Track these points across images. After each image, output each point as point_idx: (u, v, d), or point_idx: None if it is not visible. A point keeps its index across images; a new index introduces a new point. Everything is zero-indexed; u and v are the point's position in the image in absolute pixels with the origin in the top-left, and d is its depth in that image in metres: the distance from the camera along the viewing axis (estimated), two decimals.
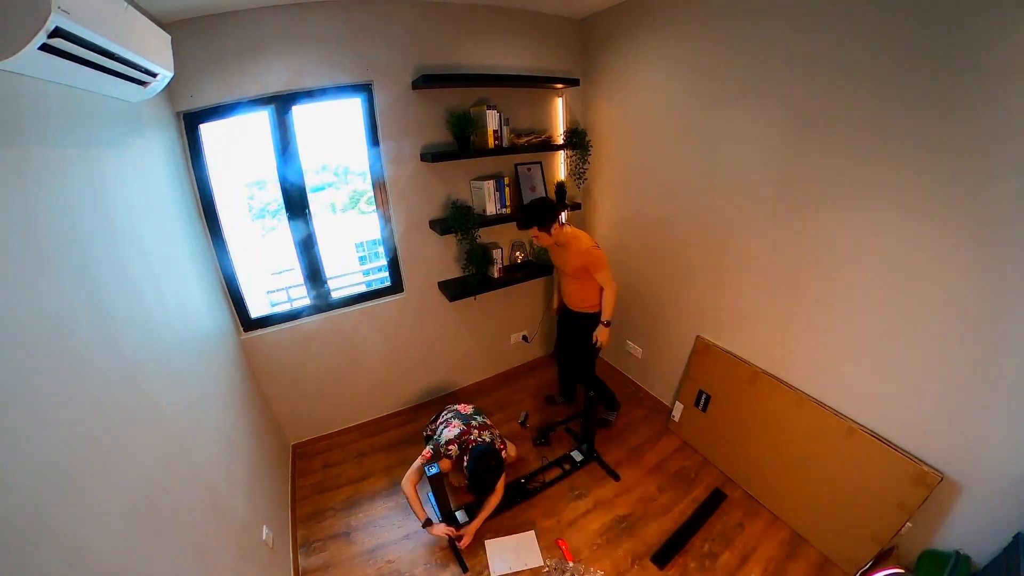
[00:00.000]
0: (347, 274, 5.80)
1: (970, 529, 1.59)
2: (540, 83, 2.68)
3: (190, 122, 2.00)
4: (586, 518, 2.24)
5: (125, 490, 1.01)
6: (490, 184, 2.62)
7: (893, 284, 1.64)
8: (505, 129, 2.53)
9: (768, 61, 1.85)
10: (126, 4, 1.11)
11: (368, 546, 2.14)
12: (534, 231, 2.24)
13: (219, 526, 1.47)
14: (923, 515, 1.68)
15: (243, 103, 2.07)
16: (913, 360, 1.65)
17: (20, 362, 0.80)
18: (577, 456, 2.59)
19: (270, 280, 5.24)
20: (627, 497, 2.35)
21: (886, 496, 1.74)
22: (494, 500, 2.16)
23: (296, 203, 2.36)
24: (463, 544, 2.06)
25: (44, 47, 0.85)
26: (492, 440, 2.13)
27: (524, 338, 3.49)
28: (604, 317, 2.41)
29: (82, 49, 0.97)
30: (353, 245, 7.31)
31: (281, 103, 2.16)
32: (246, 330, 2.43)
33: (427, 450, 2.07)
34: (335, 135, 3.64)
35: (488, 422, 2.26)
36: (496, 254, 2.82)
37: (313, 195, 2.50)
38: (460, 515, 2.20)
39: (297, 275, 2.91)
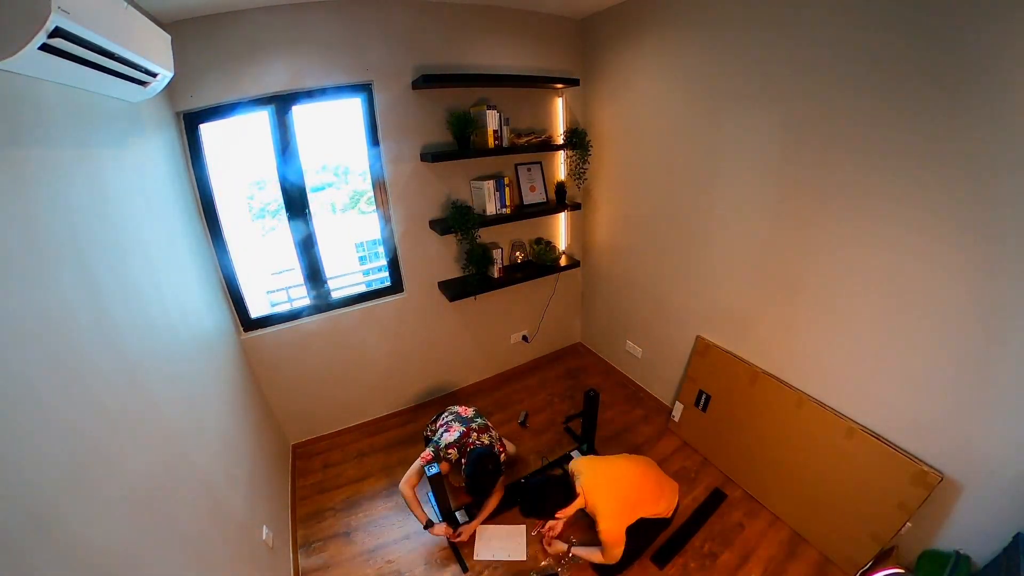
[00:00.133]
0: (347, 274, 5.79)
1: (970, 529, 1.59)
2: (540, 83, 2.68)
3: (190, 122, 2.00)
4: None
5: (125, 490, 1.02)
6: (490, 184, 2.62)
7: (893, 284, 1.64)
8: (505, 129, 2.52)
9: (768, 65, 1.85)
10: (126, 4, 1.11)
11: (368, 546, 2.14)
12: (559, 514, 1.86)
13: (219, 526, 1.47)
14: (923, 515, 1.68)
15: (243, 103, 2.07)
16: (913, 360, 1.65)
17: (20, 362, 0.80)
18: (577, 456, 2.59)
19: (270, 280, 5.24)
20: None
21: (886, 496, 1.74)
22: (494, 501, 2.17)
23: (296, 203, 2.36)
24: (459, 540, 2.07)
25: (44, 47, 0.85)
26: (491, 443, 2.13)
27: (524, 338, 3.49)
28: (576, 551, 1.95)
29: (82, 49, 0.97)
30: (353, 245, 7.31)
31: (281, 103, 2.16)
32: (246, 330, 2.43)
33: (427, 452, 2.07)
34: (335, 135, 3.63)
35: (488, 424, 2.26)
36: (496, 254, 2.82)
37: (313, 195, 2.50)
38: (460, 515, 2.20)
39: (297, 275, 2.91)
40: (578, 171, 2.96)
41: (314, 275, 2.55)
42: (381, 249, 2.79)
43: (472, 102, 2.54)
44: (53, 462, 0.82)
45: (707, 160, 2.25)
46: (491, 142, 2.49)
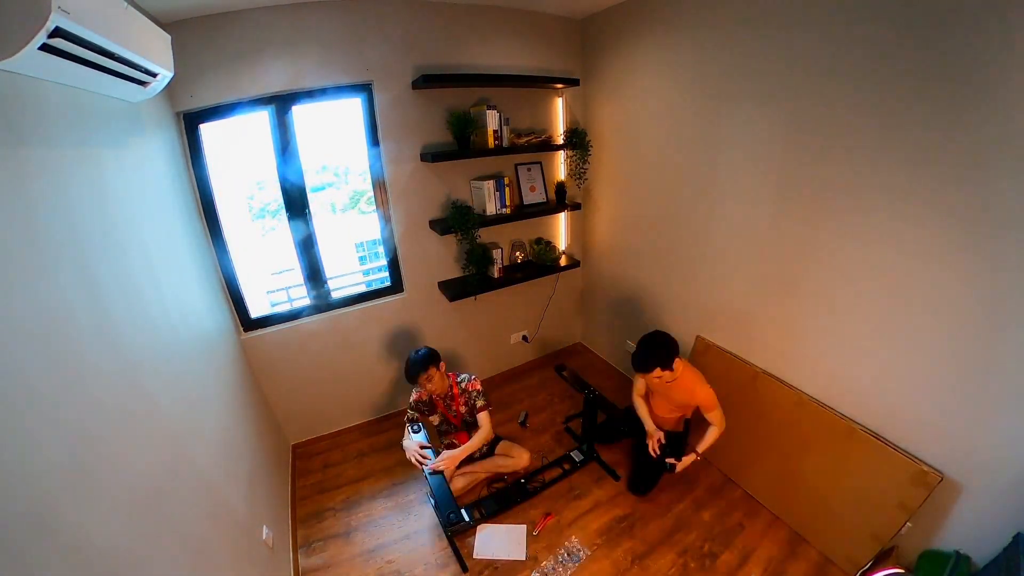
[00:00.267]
0: (347, 274, 5.79)
1: (970, 529, 1.59)
2: (540, 83, 2.68)
3: (190, 122, 2.01)
4: (586, 518, 2.24)
5: (125, 490, 1.02)
6: (490, 184, 2.62)
7: (892, 284, 1.64)
8: (505, 129, 2.53)
9: (768, 64, 1.85)
10: (126, 4, 1.11)
11: (368, 546, 2.14)
12: (657, 372, 1.99)
13: (219, 526, 1.47)
14: (923, 515, 1.68)
15: (243, 103, 2.07)
16: (913, 360, 1.65)
17: (21, 362, 0.80)
18: (577, 456, 2.59)
19: (270, 280, 5.24)
20: (627, 497, 2.35)
21: (886, 496, 1.74)
22: (479, 436, 2.25)
23: (296, 203, 2.36)
24: (434, 466, 2.10)
25: (44, 47, 0.85)
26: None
27: (524, 338, 3.49)
28: (701, 448, 2.12)
29: (82, 49, 0.97)
30: (353, 245, 7.30)
31: (281, 103, 2.16)
32: (246, 330, 2.43)
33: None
34: (335, 135, 3.64)
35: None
36: (496, 254, 2.82)
37: (313, 195, 2.50)
38: (465, 513, 2.13)
39: (297, 275, 2.91)
40: (578, 171, 2.96)
41: (314, 275, 2.55)
42: (381, 249, 2.79)
43: (472, 102, 2.54)
44: (53, 462, 0.82)
45: (707, 159, 2.25)
46: (491, 142, 2.49)
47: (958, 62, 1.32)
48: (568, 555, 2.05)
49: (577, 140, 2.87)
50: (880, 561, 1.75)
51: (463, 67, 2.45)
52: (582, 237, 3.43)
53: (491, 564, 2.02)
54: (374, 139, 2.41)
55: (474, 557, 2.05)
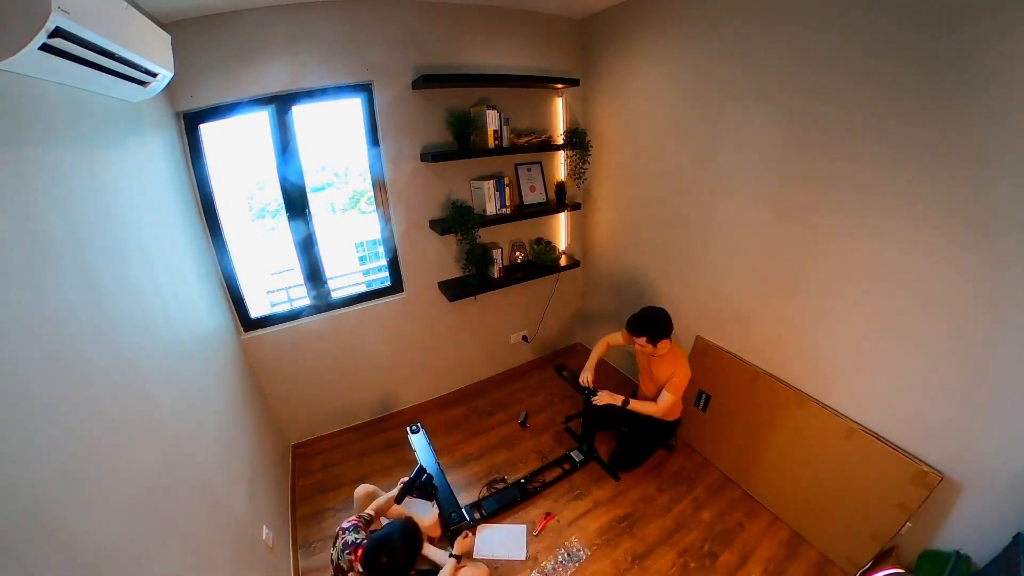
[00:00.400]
0: (347, 274, 5.78)
1: (970, 529, 1.59)
2: (540, 83, 2.68)
3: (190, 122, 2.00)
4: (586, 518, 2.24)
5: (125, 489, 1.02)
6: (490, 184, 2.62)
7: (892, 284, 1.64)
8: (505, 129, 2.53)
9: (768, 63, 1.85)
10: (126, 4, 1.11)
11: None
12: (642, 340, 2.16)
13: (219, 526, 1.47)
14: (923, 515, 1.68)
15: (243, 103, 2.07)
16: (913, 360, 1.65)
17: (21, 361, 0.80)
18: (577, 456, 2.59)
19: (270, 280, 5.24)
20: (626, 497, 2.35)
21: (886, 496, 1.74)
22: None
23: (296, 203, 2.36)
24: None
25: (44, 47, 0.85)
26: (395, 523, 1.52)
27: (524, 338, 3.49)
28: (632, 405, 2.24)
29: (82, 49, 0.97)
30: (353, 245, 7.30)
31: (281, 103, 2.16)
32: (246, 330, 2.43)
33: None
34: (335, 135, 3.63)
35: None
36: (496, 254, 2.82)
37: (313, 195, 2.50)
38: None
39: (297, 275, 2.91)
40: (578, 171, 2.96)
41: (314, 275, 2.55)
42: (381, 249, 2.79)
43: (472, 102, 2.54)
44: (53, 462, 0.82)
45: (707, 159, 2.25)
46: (491, 142, 2.49)
47: (958, 61, 1.32)
48: (568, 555, 2.05)
49: (577, 140, 2.87)
50: (880, 561, 1.75)
51: (463, 67, 2.45)
52: (582, 237, 3.43)
53: (491, 564, 2.02)
54: (374, 139, 2.41)
55: (474, 557, 2.05)
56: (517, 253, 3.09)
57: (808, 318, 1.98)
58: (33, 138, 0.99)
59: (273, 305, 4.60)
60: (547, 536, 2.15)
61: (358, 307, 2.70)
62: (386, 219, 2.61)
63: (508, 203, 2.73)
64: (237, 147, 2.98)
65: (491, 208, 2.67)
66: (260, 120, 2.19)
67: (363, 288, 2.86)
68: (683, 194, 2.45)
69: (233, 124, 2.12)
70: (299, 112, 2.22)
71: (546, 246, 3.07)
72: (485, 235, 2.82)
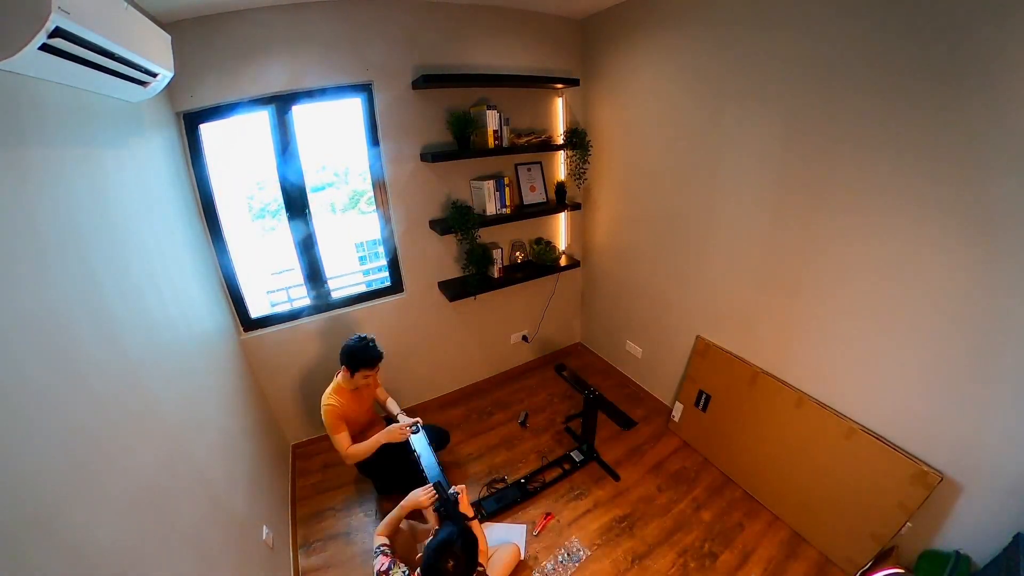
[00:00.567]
0: (347, 274, 5.79)
1: (970, 529, 1.59)
2: (540, 83, 2.68)
3: (190, 122, 2.00)
4: (586, 518, 2.24)
5: (125, 489, 1.02)
6: (490, 184, 2.62)
7: (892, 284, 1.64)
8: (505, 129, 2.52)
9: (768, 63, 1.85)
10: (126, 4, 1.11)
11: (368, 546, 2.14)
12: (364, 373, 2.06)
13: (219, 526, 1.47)
14: (923, 515, 1.68)
15: (243, 103, 2.07)
16: (913, 360, 1.65)
17: (22, 361, 0.80)
18: (577, 456, 2.59)
19: (270, 280, 5.25)
20: (627, 497, 2.35)
21: (886, 496, 1.74)
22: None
23: (296, 203, 2.36)
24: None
25: (44, 47, 0.85)
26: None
27: (524, 338, 3.49)
28: (396, 411, 2.26)
29: (82, 49, 0.97)
30: (353, 245, 7.30)
31: (281, 103, 2.16)
32: (246, 330, 2.43)
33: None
34: (335, 135, 3.63)
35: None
36: (496, 254, 2.82)
37: (313, 195, 2.50)
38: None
39: (297, 275, 2.91)
40: (578, 171, 2.96)
41: (314, 275, 2.55)
42: (381, 249, 2.79)
43: (472, 102, 2.54)
44: (53, 461, 0.82)
45: (707, 159, 2.25)
46: (491, 142, 2.49)
47: (957, 60, 1.32)
48: (568, 555, 2.05)
49: (577, 140, 2.87)
50: (880, 561, 1.75)
51: (463, 67, 2.45)
52: (582, 237, 3.43)
53: None
54: (374, 139, 2.41)
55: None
56: (517, 253, 3.09)
57: (808, 317, 1.98)
58: (33, 138, 0.99)
59: (273, 305, 4.61)
60: (547, 536, 2.15)
61: (358, 307, 2.70)
62: (386, 219, 2.61)
63: (508, 203, 2.73)
64: (237, 147, 2.98)
65: (491, 208, 2.67)
66: (260, 120, 2.19)
67: (363, 288, 2.86)
68: (683, 194, 2.45)
69: (233, 124, 2.12)
70: (299, 112, 2.22)
71: (546, 246, 3.07)
72: (485, 235, 2.82)
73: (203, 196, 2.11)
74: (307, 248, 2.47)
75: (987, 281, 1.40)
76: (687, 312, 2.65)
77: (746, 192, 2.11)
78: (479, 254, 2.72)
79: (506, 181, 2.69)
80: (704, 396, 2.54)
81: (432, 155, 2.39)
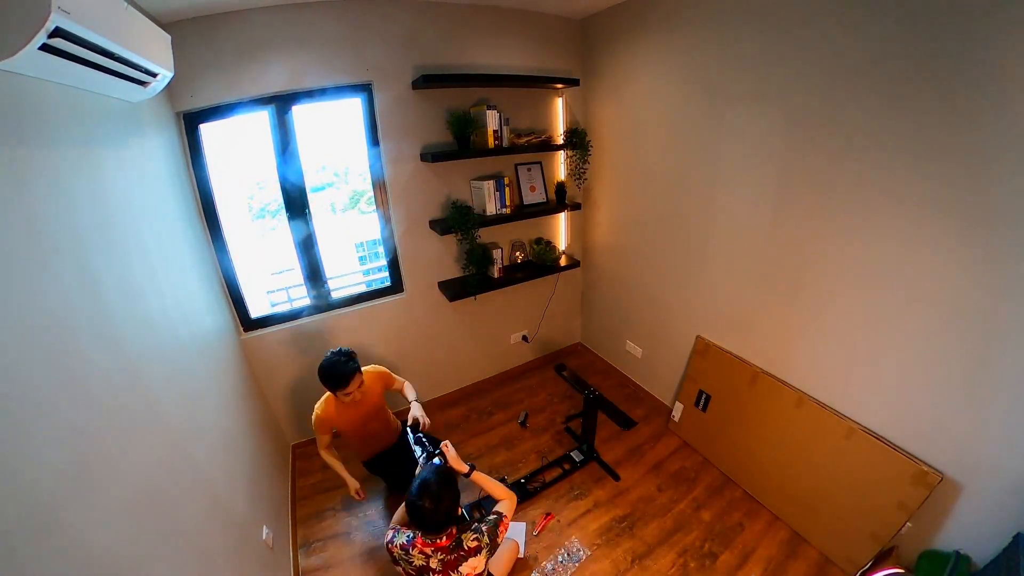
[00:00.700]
0: (347, 274, 5.79)
1: (970, 529, 1.59)
2: (540, 83, 2.68)
3: (190, 122, 2.01)
4: (586, 518, 2.24)
5: (126, 489, 1.02)
6: (490, 184, 2.62)
7: (892, 284, 1.64)
8: (505, 129, 2.52)
9: (768, 63, 1.85)
10: (126, 4, 1.11)
11: (368, 546, 2.14)
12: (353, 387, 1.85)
13: (219, 526, 1.47)
14: (923, 515, 1.68)
15: (243, 103, 2.07)
16: (913, 360, 1.65)
17: (21, 361, 0.80)
18: (577, 456, 2.59)
19: (270, 280, 5.24)
20: (627, 497, 2.35)
21: (886, 496, 1.74)
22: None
23: (296, 203, 2.36)
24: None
25: (44, 47, 0.85)
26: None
27: (524, 338, 3.49)
28: (412, 396, 2.13)
29: (82, 49, 0.97)
30: (353, 245, 7.30)
31: (281, 103, 2.16)
32: (246, 330, 2.43)
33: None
34: (335, 135, 3.63)
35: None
36: (496, 254, 2.82)
37: (313, 195, 2.50)
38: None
39: (297, 275, 2.91)
40: (578, 171, 2.96)
41: (314, 275, 2.55)
42: (381, 249, 2.79)
43: (472, 102, 2.54)
44: (53, 461, 0.82)
45: (707, 159, 2.25)
46: (491, 142, 2.49)
47: (958, 60, 1.32)
48: (568, 555, 2.05)
49: (577, 140, 2.87)
50: (880, 561, 1.75)
51: (463, 67, 2.45)
52: (582, 237, 3.43)
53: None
54: (374, 139, 2.41)
55: None
56: (517, 253, 3.09)
57: (808, 317, 1.98)
58: (33, 138, 0.99)
59: (273, 305, 4.61)
60: (547, 536, 2.15)
61: (358, 307, 2.70)
62: (386, 219, 2.61)
63: (508, 203, 2.73)
64: (237, 147, 2.98)
65: (491, 208, 2.67)
66: (260, 120, 2.19)
67: (363, 288, 2.86)
68: (683, 194, 2.45)
69: (233, 124, 2.12)
70: (299, 112, 2.22)
71: (546, 246, 3.07)
72: (485, 235, 2.82)
73: (203, 196, 2.11)
74: (307, 248, 2.47)
75: (987, 281, 1.40)
76: (687, 312, 2.65)
77: (746, 191, 2.11)
78: (479, 254, 2.72)
79: (506, 181, 2.69)
80: (704, 396, 2.54)
81: (432, 155, 2.39)
